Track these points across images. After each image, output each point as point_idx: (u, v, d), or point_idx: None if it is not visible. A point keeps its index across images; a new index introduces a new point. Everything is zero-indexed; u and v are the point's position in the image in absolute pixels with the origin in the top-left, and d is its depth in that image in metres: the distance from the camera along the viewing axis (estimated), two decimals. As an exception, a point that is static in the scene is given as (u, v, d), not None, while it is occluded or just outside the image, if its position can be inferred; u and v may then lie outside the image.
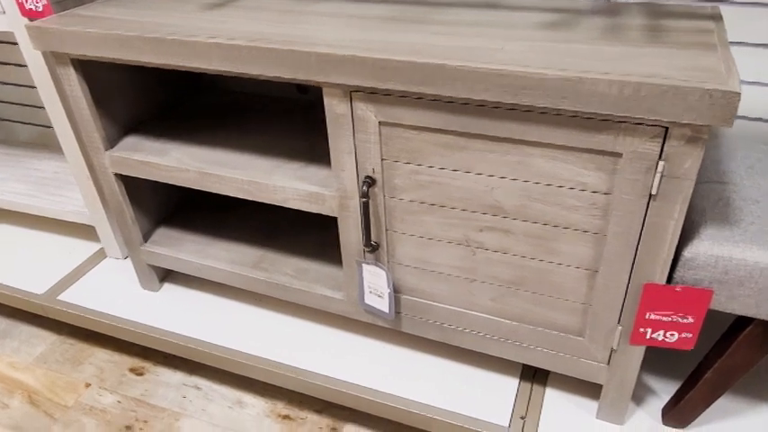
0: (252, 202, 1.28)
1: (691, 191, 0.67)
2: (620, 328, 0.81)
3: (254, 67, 0.79)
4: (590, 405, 0.96)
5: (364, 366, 1.05)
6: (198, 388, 1.21)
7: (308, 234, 1.17)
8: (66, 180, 1.39)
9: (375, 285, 0.94)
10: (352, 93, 0.77)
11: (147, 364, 1.27)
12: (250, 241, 1.16)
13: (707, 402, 0.86)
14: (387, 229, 0.89)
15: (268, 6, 0.95)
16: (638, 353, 0.83)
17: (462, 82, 0.69)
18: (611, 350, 0.84)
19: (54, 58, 0.95)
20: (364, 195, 0.83)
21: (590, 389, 0.98)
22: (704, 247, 0.73)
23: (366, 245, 0.88)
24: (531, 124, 0.70)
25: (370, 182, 0.83)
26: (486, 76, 0.67)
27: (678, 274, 0.75)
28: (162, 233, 1.20)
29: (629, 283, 0.77)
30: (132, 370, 1.26)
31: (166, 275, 1.27)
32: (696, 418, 0.89)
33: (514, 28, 0.80)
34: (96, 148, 1.04)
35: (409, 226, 0.87)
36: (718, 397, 0.85)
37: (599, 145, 0.68)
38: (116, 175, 1.07)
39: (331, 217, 1.21)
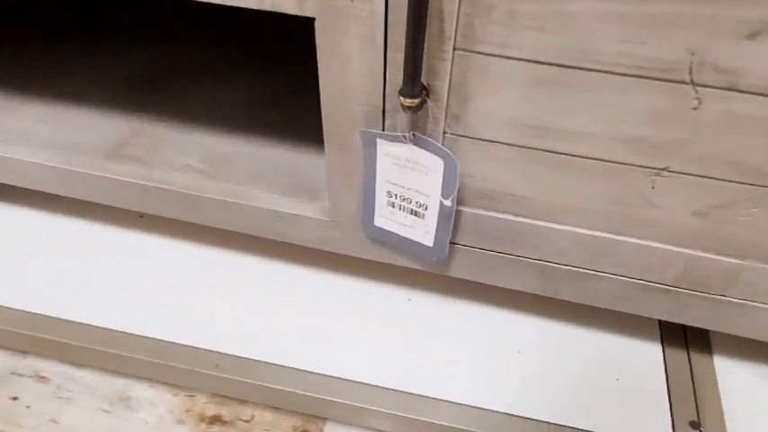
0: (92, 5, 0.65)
1: None
2: None
3: None
4: (799, 384, 0.52)
5: (362, 344, 0.53)
6: (41, 378, 0.65)
7: (225, 83, 0.58)
8: None
9: (406, 191, 0.40)
10: None
11: (-59, 339, 0.68)
12: (103, 100, 0.55)
13: None
14: (456, 47, 0.33)
15: None
16: None
17: None
18: None
19: None
20: None
21: (792, 353, 0.54)
22: None
23: (407, 90, 0.32)
24: None
25: None
26: None
27: None
28: None
29: None
30: None
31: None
32: None
33: None
34: None
35: (526, 32, 0.31)
36: None
37: None
38: None
39: (280, 25, 0.61)
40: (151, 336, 0.53)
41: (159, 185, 0.48)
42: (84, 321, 0.55)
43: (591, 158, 0.36)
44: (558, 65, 0.32)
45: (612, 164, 0.36)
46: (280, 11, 0.33)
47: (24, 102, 0.55)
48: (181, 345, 0.53)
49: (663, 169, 0.36)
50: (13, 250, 0.60)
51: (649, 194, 0.37)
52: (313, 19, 0.33)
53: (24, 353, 0.66)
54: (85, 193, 0.51)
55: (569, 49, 0.31)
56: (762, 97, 0.31)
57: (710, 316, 0.44)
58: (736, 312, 0.43)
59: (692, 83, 0.31)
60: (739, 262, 0.40)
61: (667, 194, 0.37)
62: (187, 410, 0.63)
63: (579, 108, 0.34)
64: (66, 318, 0.55)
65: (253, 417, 0.63)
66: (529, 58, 0.32)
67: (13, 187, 0.54)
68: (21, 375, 0.65)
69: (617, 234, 0.40)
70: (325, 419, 0.62)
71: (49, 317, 0.55)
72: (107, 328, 0.54)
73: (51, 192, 0.53)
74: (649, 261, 0.41)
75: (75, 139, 0.52)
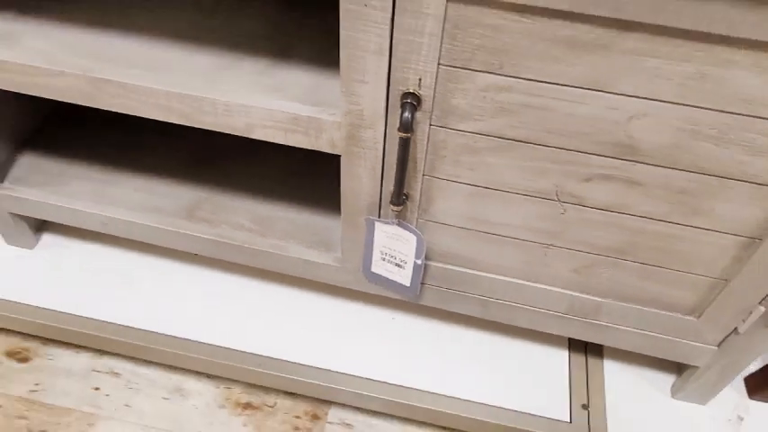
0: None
1: None
2: (761, 309, 0.57)
3: None
4: (659, 379, 0.75)
5: (359, 348, 0.76)
6: (115, 374, 0.86)
7: (264, 162, 0.80)
8: None
9: (393, 252, 0.63)
10: (400, -66, 0.40)
11: (32, 344, 0.89)
12: (176, 175, 0.77)
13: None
14: (424, 174, 0.56)
15: None
16: (772, 337, 0.60)
17: None
18: (732, 332, 0.61)
19: None
20: (405, 128, 0.48)
21: (655, 360, 0.77)
22: None
23: (395, 201, 0.55)
24: (753, 8, 0.38)
25: (414, 103, 0.48)
26: None
27: None
28: (29, 163, 0.77)
29: (806, 256, 0.52)
30: (12, 354, 0.88)
31: (43, 224, 0.86)
32: (800, 395, 0.71)
33: None
34: None
35: (465, 171, 0.54)
36: None
37: None
38: (-73, 77, 0.61)
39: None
40: (204, 341, 0.75)
41: (223, 240, 0.70)
42: (151, 329, 0.76)
43: (508, 237, 0.59)
44: (484, 187, 0.55)
45: (521, 240, 0.59)
46: (317, 149, 0.55)
47: (122, 177, 0.76)
48: (227, 348, 0.75)
49: (550, 245, 0.59)
50: (96, 274, 0.81)
51: (544, 259, 0.60)
52: (339, 156, 0.56)
53: (101, 353, 0.87)
54: (171, 244, 0.72)
55: (489, 180, 0.54)
56: (597, 210, 0.54)
57: (589, 333, 0.67)
58: (604, 330, 0.66)
59: (559, 200, 0.54)
60: (601, 299, 0.63)
61: (555, 259, 0.60)
62: (225, 398, 0.85)
63: (497, 211, 0.57)
64: (130, 325, 0.76)
65: (275, 403, 0.85)
66: (466, 182, 0.55)
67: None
68: (99, 372, 0.87)
69: (527, 281, 0.63)
70: (329, 404, 0.85)
71: (122, 325, 0.76)
72: (168, 334, 0.76)
73: (139, 240, 0.74)
74: (548, 298, 0.64)
75: (159, 204, 0.74)
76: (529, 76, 0.45)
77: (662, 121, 0.46)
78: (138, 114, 0.57)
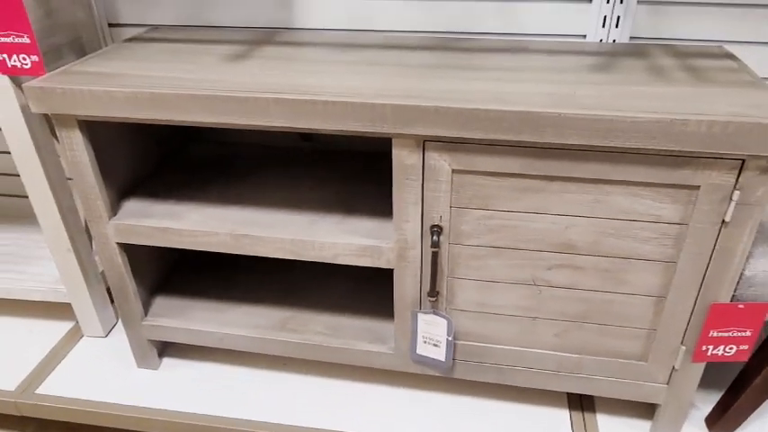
0: (256, 256, 1.20)
1: (761, 216, 0.73)
2: (683, 348, 0.86)
3: (319, 122, 0.75)
4: (640, 424, 1.00)
5: (411, 419, 1.01)
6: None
7: (330, 286, 1.12)
8: (23, 255, 1.22)
9: (431, 335, 0.92)
10: (425, 143, 0.76)
11: (147, 452, 1.13)
12: (268, 301, 1.08)
13: (754, 407, 0.92)
14: (448, 276, 0.87)
15: (294, 56, 0.91)
16: (699, 369, 0.87)
17: (553, 128, 0.70)
18: (672, 370, 0.88)
19: (55, 121, 0.84)
20: (434, 245, 0.81)
21: (637, 408, 1.02)
22: (761, 265, 0.79)
23: (431, 294, 0.86)
24: (613, 164, 0.73)
25: (438, 231, 0.81)
26: (578, 122, 0.69)
27: (738, 292, 0.81)
28: (162, 303, 1.09)
29: (695, 304, 0.81)
30: (131, 461, 1.11)
31: (163, 350, 1.15)
32: (742, 423, 0.95)
33: (565, 72, 0.83)
34: (98, 217, 0.92)
35: (473, 271, 0.86)
36: (765, 401, 0.92)
37: (679, 179, 0.73)
38: (119, 245, 0.95)
39: (354, 266, 1.16)
40: (295, 424, 1.00)
41: (308, 343, 0.99)
42: (247, 418, 1.01)
43: (506, 315, 0.89)
44: (487, 281, 0.86)
45: (516, 316, 0.89)
46: (379, 266, 0.87)
47: (231, 305, 1.07)
48: (312, 428, 0.99)
49: (536, 317, 0.88)
50: (210, 384, 1.08)
51: (534, 328, 0.90)
52: (392, 269, 0.87)
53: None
54: (270, 350, 1.01)
55: (490, 276, 0.86)
56: (560, 288, 0.85)
57: (577, 385, 0.93)
58: (587, 381, 0.93)
59: (535, 284, 0.85)
60: (579, 356, 0.91)
61: (540, 327, 0.89)
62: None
63: (497, 296, 0.87)
64: (242, 417, 1.01)
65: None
66: (475, 279, 0.86)
67: (207, 348, 1.04)
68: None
69: (524, 347, 0.92)
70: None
71: (228, 417, 1.01)
72: (259, 420, 1.00)
73: (246, 350, 1.03)
74: (542, 359, 0.92)
75: (259, 322, 1.04)
76: (503, 209, 0.79)
77: (584, 228, 0.79)
78: (262, 255, 0.90)
